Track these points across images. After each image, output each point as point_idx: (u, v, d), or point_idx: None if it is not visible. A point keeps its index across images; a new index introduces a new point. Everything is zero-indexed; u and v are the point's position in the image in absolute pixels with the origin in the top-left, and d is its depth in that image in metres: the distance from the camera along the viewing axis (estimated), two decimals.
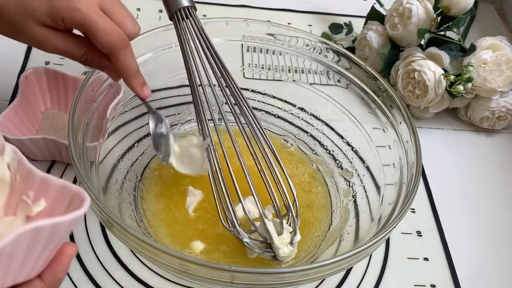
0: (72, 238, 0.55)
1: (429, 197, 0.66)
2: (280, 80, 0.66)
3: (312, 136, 0.65)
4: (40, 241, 0.33)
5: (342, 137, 0.64)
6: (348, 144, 0.63)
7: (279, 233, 0.51)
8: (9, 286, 0.34)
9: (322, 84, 0.64)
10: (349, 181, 0.61)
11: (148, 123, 0.53)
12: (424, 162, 0.65)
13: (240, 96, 0.53)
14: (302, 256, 0.55)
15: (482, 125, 0.74)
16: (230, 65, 0.53)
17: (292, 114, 0.66)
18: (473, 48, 0.70)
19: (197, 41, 0.53)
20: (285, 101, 0.67)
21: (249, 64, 0.67)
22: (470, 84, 0.68)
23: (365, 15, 0.80)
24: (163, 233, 0.55)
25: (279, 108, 0.67)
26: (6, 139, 0.55)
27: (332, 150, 0.64)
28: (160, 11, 0.81)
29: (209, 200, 0.57)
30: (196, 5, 0.54)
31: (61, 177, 0.59)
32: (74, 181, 0.59)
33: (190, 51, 0.53)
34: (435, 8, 0.72)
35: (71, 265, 0.53)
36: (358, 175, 0.61)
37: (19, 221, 0.37)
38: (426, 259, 0.60)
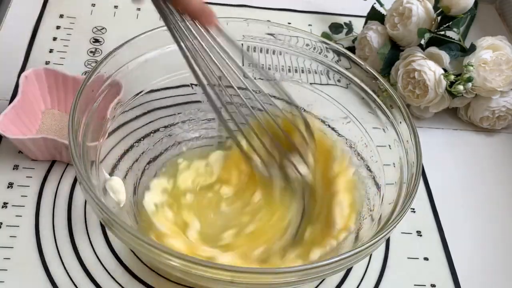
0: (72, 237, 0.55)
1: (429, 197, 0.66)
2: (280, 80, 0.66)
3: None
4: None
5: (342, 137, 0.63)
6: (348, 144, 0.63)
7: None
8: None
9: (322, 84, 0.64)
10: None
11: None
12: (424, 162, 0.65)
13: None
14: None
15: (482, 125, 0.74)
16: None
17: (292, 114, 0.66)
18: (473, 48, 0.70)
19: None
20: (285, 101, 0.67)
21: (249, 64, 0.67)
22: (470, 84, 0.68)
23: (365, 15, 0.80)
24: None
25: (279, 108, 0.67)
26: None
27: None
28: None
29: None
30: None
31: (61, 177, 0.60)
32: (74, 181, 0.59)
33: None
34: (435, 8, 0.72)
35: (71, 265, 0.53)
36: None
37: None
38: (426, 259, 0.60)
